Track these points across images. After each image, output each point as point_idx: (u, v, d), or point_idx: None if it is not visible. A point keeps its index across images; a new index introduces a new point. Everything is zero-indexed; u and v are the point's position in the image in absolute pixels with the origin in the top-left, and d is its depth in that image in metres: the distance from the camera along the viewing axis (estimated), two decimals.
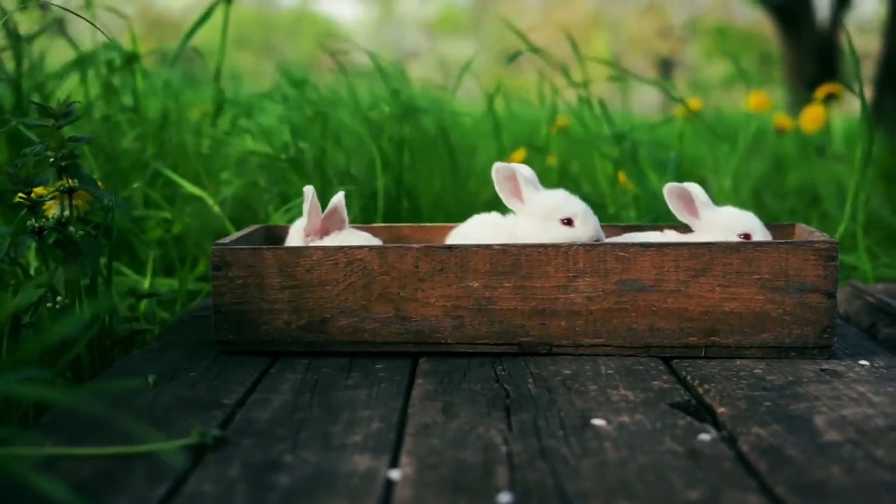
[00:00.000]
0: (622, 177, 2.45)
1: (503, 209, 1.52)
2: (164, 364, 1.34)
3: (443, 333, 1.37)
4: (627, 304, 1.35)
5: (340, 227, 1.52)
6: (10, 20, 2.01)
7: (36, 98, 2.10)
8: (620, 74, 2.63)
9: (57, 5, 1.76)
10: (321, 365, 1.34)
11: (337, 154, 2.36)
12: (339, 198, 1.51)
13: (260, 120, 2.43)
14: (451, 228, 1.60)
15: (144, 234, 2.08)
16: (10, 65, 2.04)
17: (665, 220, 2.20)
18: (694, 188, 1.49)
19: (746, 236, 1.44)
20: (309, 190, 1.48)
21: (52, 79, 2.26)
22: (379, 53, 2.45)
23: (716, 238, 1.42)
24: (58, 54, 2.47)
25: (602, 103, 2.44)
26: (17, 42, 2.03)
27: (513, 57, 2.45)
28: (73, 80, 2.33)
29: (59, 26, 2.42)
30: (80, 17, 1.48)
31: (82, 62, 2.26)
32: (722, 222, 1.46)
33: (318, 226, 1.49)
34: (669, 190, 1.47)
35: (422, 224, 1.78)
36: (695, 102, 3.04)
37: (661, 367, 1.31)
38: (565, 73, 2.42)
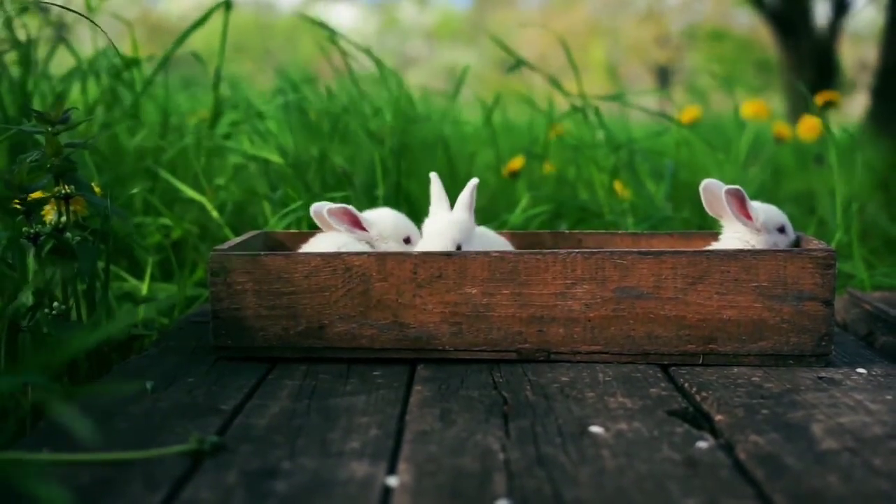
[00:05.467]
0: (618, 185, 2.45)
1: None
2: (162, 370, 1.34)
3: (441, 340, 1.37)
4: (625, 312, 1.35)
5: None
6: (13, 24, 2.01)
7: (39, 103, 2.10)
8: (618, 94, 2.64)
9: (59, 5, 1.76)
10: (319, 371, 1.34)
11: (337, 159, 2.36)
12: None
13: (259, 125, 2.44)
14: None
15: (143, 240, 2.08)
16: (14, 69, 2.04)
17: (661, 227, 2.21)
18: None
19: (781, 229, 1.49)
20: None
21: (55, 82, 2.26)
22: (380, 60, 2.45)
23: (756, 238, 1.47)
24: (59, 60, 2.47)
25: (598, 112, 2.45)
26: (24, 46, 2.04)
27: (511, 68, 2.46)
28: (74, 86, 2.33)
29: (60, 31, 2.43)
30: (83, 16, 1.48)
31: (83, 68, 2.26)
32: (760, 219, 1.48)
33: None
34: (709, 186, 1.50)
35: None
36: (691, 111, 3.05)
37: (659, 375, 1.31)
38: (559, 86, 2.42)
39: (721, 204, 1.48)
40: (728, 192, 1.46)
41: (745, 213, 1.47)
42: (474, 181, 1.50)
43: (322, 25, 2.34)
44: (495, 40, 2.44)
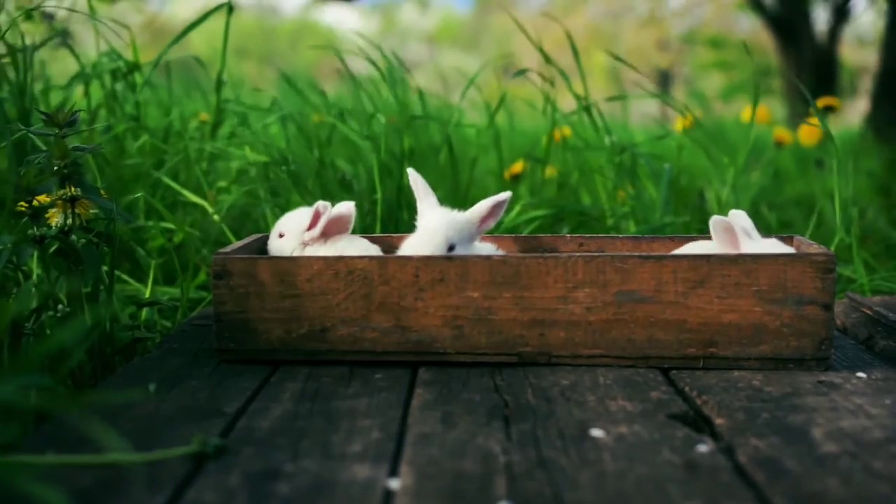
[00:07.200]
0: (621, 191, 2.46)
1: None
2: (165, 372, 1.35)
3: (442, 343, 1.38)
4: (626, 315, 1.35)
5: (342, 233, 1.54)
6: (14, 29, 2.02)
7: (41, 106, 2.11)
8: (621, 94, 2.64)
9: (66, 8, 1.77)
10: (321, 374, 1.34)
11: (339, 162, 2.37)
12: (348, 207, 1.54)
13: (261, 129, 2.45)
14: None
15: (146, 244, 2.08)
16: (14, 74, 2.05)
17: (661, 231, 2.21)
18: (737, 219, 1.43)
19: None
20: (324, 205, 1.51)
21: (56, 89, 2.27)
22: (380, 63, 2.45)
23: None
24: (61, 64, 2.49)
25: (601, 115, 2.45)
26: (23, 51, 2.05)
27: (519, 73, 2.46)
28: (77, 90, 2.34)
29: (63, 36, 2.44)
30: (91, 15, 1.49)
31: (86, 72, 2.27)
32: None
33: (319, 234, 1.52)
34: (714, 223, 1.42)
35: None
36: (693, 116, 3.05)
37: (660, 378, 1.31)
38: (567, 85, 2.43)
39: (726, 238, 1.42)
40: (716, 221, 1.41)
41: (734, 245, 1.41)
42: (506, 195, 1.47)
43: (328, 32, 2.33)
44: (520, 30, 2.43)
